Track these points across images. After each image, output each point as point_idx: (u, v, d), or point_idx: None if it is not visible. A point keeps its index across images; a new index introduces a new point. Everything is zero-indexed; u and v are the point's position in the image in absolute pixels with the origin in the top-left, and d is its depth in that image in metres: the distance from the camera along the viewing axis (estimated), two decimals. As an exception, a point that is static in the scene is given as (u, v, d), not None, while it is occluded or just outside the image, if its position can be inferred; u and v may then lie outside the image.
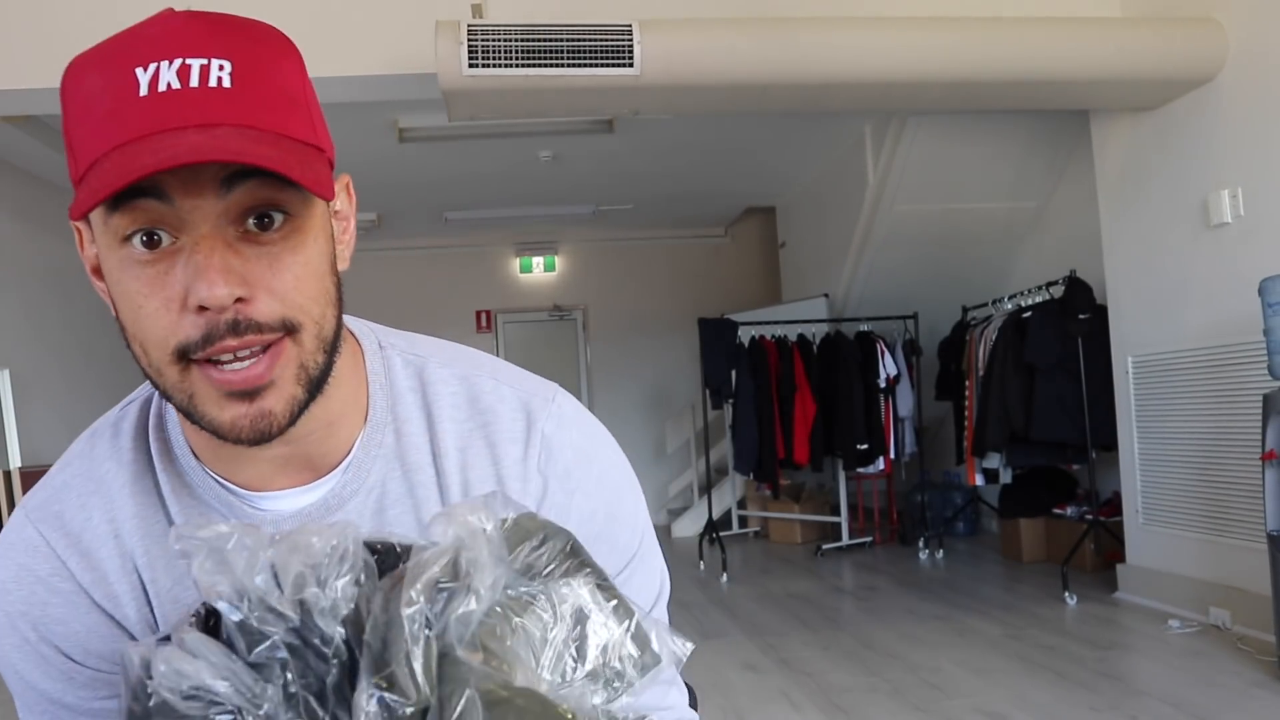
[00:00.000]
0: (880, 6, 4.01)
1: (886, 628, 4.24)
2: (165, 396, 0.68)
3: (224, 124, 0.62)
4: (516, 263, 9.14)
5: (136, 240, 0.63)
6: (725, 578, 5.75)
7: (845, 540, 6.66)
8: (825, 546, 6.62)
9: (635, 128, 5.91)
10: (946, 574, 5.59)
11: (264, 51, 0.66)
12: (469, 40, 3.50)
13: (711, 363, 6.47)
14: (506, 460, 0.79)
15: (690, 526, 7.95)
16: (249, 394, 0.65)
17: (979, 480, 5.85)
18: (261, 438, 0.66)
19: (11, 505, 5.21)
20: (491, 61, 3.52)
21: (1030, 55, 3.88)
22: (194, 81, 0.62)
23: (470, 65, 3.51)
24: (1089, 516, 5.07)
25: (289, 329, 0.66)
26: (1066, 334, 5.04)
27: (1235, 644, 3.64)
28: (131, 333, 0.66)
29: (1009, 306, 5.78)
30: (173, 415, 0.76)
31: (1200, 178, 4.09)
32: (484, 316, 8.94)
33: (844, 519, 6.72)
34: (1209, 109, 4.05)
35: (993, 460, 5.66)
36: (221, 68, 0.63)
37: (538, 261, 9.18)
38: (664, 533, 8.22)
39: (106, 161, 0.61)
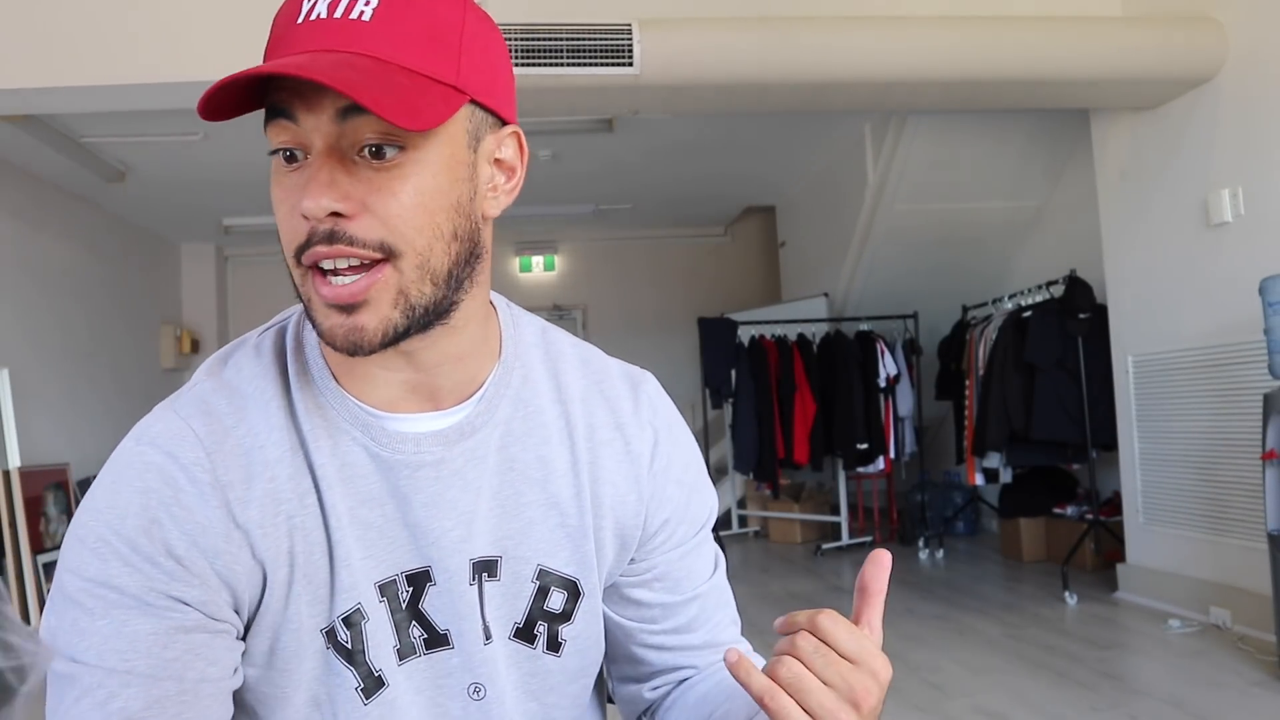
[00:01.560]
0: (880, 6, 4.01)
1: (886, 627, 4.18)
2: (299, 296, 0.73)
3: (342, 51, 0.66)
4: (516, 262, 9.14)
5: (281, 153, 0.70)
6: (725, 577, 5.74)
7: (845, 540, 6.65)
8: (825, 546, 6.61)
9: (635, 127, 5.91)
10: (947, 573, 5.59)
11: None
12: (469, 39, 3.49)
13: (711, 362, 6.47)
14: (622, 412, 0.88)
15: (690, 526, 7.93)
16: (344, 308, 0.69)
17: (979, 480, 5.85)
18: (355, 349, 0.70)
19: (11, 505, 5.21)
20: (491, 61, 3.51)
21: (1030, 54, 3.88)
22: (338, 13, 0.67)
23: (470, 64, 3.50)
24: (1089, 516, 5.07)
25: (388, 253, 0.69)
26: (1067, 333, 5.04)
27: (1235, 644, 3.64)
28: (279, 234, 0.72)
29: (1009, 306, 5.78)
30: (311, 338, 0.80)
31: (1200, 177, 4.09)
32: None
33: (844, 519, 6.72)
34: (1209, 108, 4.04)
35: (993, 460, 5.66)
36: (367, 2, 0.67)
37: (537, 261, 9.17)
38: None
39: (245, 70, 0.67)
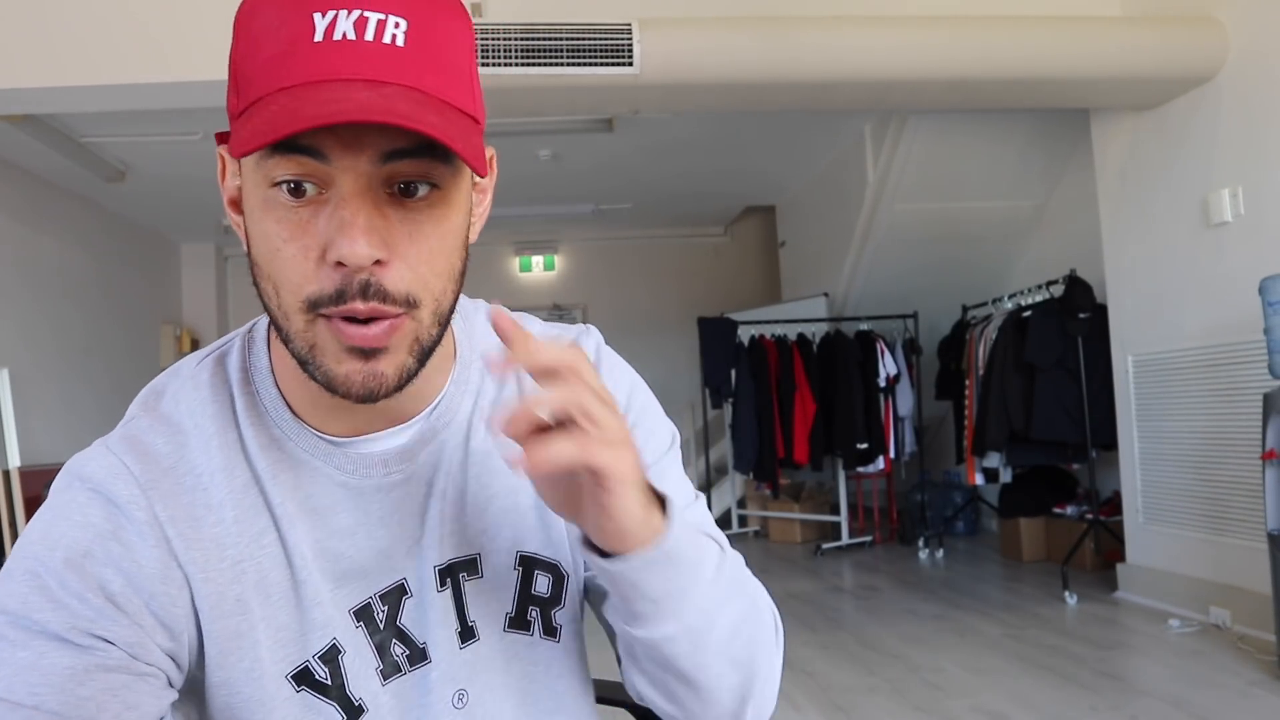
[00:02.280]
0: (880, 5, 4.01)
1: (886, 627, 4.24)
2: (285, 341, 0.67)
3: (393, 83, 0.62)
4: (516, 262, 9.14)
5: (285, 186, 0.63)
6: (725, 577, 5.74)
7: (845, 540, 6.65)
8: (825, 546, 6.61)
9: (635, 127, 5.91)
10: (946, 574, 5.59)
11: (440, 13, 0.65)
12: (468, 39, 3.49)
13: (711, 362, 6.47)
14: None
15: (690, 526, 7.93)
16: (366, 353, 0.66)
17: (979, 480, 5.85)
18: (370, 396, 0.67)
19: (11, 505, 5.20)
20: (491, 60, 3.52)
21: (1030, 54, 3.88)
22: (369, 35, 0.61)
23: (470, 64, 3.50)
24: (1089, 516, 5.07)
25: (410, 304, 0.66)
26: (1067, 333, 5.04)
27: (1235, 643, 3.64)
28: (265, 273, 0.66)
29: (1009, 305, 5.78)
30: (261, 370, 0.76)
31: (1200, 176, 4.09)
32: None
33: (844, 518, 6.72)
34: (1209, 108, 4.04)
35: (993, 459, 5.66)
36: (397, 25, 0.62)
37: (537, 261, 9.18)
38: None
39: (273, 103, 0.60)
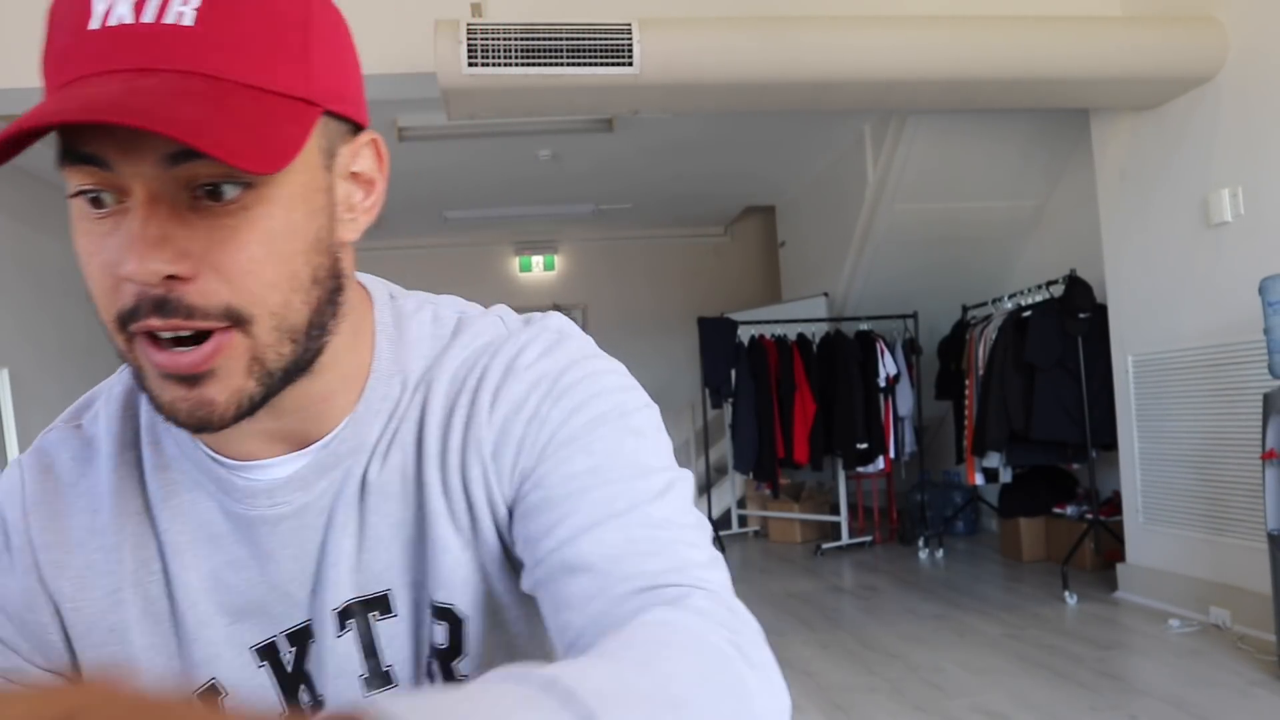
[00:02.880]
0: (880, 5, 4.01)
1: (886, 627, 4.24)
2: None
3: (167, 70, 0.53)
4: (516, 262, 9.14)
5: (84, 196, 0.57)
6: (725, 577, 5.74)
7: (845, 540, 6.65)
8: (825, 546, 6.61)
9: (635, 127, 5.91)
10: (946, 573, 5.59)
11: None
12: (468, 39, 3.49)
13: (711, 362, 6.47)
14: (482, 392, 0.73)
15: (690, 526, 7.93)
16: (187, 382, 0.58)
17: (979, 479, 5.85)
18: (203, 426, 0.59)
19: (11, 505, 5.21)
20: (491, 60, 3.52)
21: (1030, 54, 3.88)
22: (149, 16, 0.53)
23: (470, 64, 3.51)
24: (1089, 516, 5.07)
25: (235, 319, 0.57)
26: (1066, 333, 5.04)
27: (1235, 643, 3.64)
28: (95, 296, 0.59)
29: (1009, 305, 5.78)
30: None
31: (1200, 176, 4.09)
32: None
33: (844, 518, 6.72)
34: (1209, 108, 4.04)
35: (992, 459, 5.66)
36: (185, 1, 0.53)
37: (537, 261, 9.17)
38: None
39: (49, 109, 0.54)
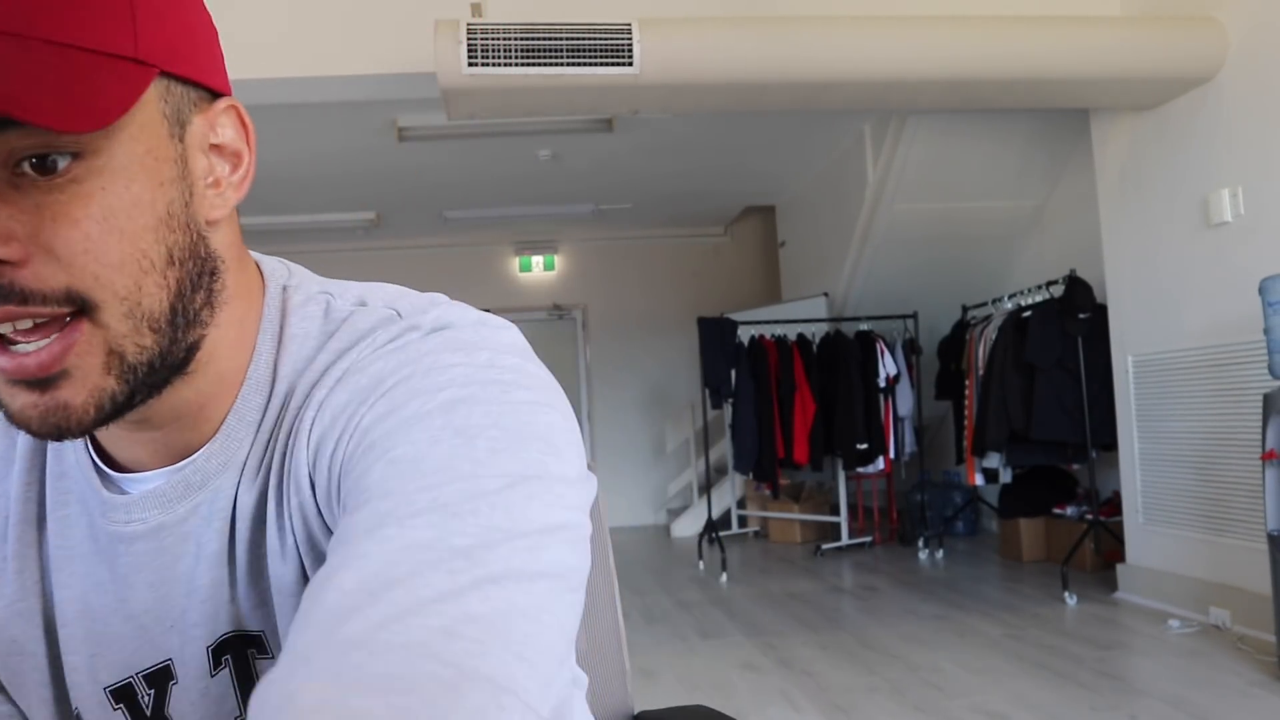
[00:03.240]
0: (880, 5, 4.01)
1: (886, 628, 4.24)
2: None
3: None
4: (516, 262, 9.14)
5: None
6: (725, 577, 5.74)
7: (845, 540, 6.65)
8: (825, 546, 6.61)
9: (635, 127, 5.91)
10: (946, 574, 5.59)
11: None
12: (468, 39, 3.49)
13: (711, 362, 6.46)
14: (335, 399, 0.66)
15: (690, 526, 7.95)
16: (37, 384, 0.52)
17: (979, 480, 5.85)
18: (58, 433, 0.53)
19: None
20: (491, 60, 3.51)
21: (1030, 54, 3.88)
22: None
23: (469, 64, 3.50)
24: (1089, 516, 5.07)
25: (78, 304, 0.51)
26: (1066, 333, 5.04)
27: (1235, 644, 3.64)
28: None
29: (1009, 306, 5.77)
30: None
31: (1200, 176, 4.09)
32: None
33: (844, 519, 6.72)
34: (1209, 108, 4.04)
35: (992, 460, 5.66)
36: None
37: (537, 260, 9.17)
38: (663, 532, 8.22)
39: None
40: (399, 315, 0.63)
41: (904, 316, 6.68)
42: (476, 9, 3.83)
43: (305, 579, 0.60)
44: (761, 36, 3.71)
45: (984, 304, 6.13)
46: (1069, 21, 3.99)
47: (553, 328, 9.20)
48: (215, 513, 0.62)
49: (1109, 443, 4.87)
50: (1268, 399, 3.34)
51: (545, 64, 3.55)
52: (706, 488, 6.84)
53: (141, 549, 0.62)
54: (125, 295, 0.52)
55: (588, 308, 9.21)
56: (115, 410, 0.54)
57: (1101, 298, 4.90)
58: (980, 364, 5.73)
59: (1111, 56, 3.95)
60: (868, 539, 6.74)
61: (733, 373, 6.58)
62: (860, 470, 6.59)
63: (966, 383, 5.95)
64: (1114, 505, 5.13)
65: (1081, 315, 4.94)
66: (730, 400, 6.65)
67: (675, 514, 8.45)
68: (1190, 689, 3.16)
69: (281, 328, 0.64)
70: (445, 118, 4.22)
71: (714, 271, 9.24)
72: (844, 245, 6.83)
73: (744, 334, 6.73)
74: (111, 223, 0.51)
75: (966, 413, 5.91)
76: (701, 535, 6.55)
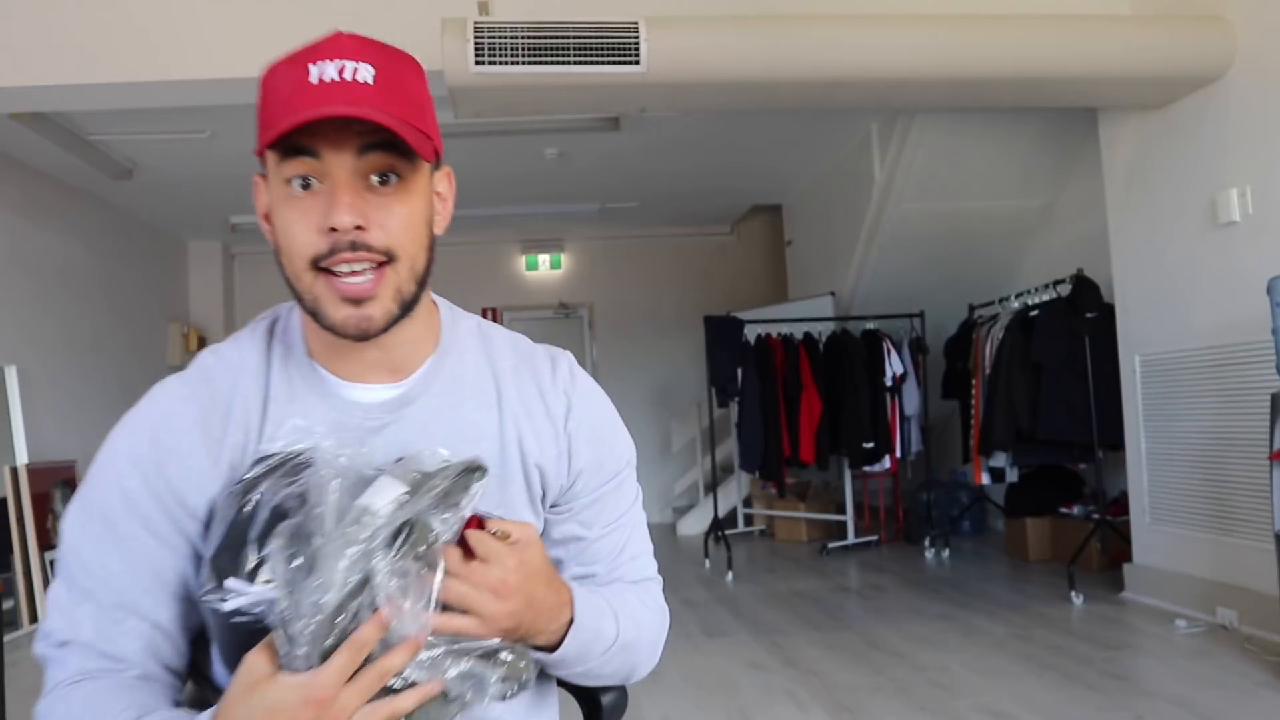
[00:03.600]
0: (887, 4, 4.01)
1: (892, 627, 4.24)
2: (298, 299, 0.91)
3: (363, 104, 0.84)
4: (522, 260, 9.15)
5: (295, 183, 0.87)
6: (730, 576, 5.74)
7: (851, 539, 6.65)
8: (830, 545, 6.61)
9: (641, 125, 5.91)
10: (952, 573, 5.58)
11: (398, 64, 0.90)
12: (475, 38, 3.50)
13: (717, 361, 6.46)
14: (543, 382, 1.05)
15: (695, 525, 7.95)
16: (357, 301, 0.88)
17: (985, 479, 5.84)
18: (362, 335, 0.90)
19: (19, 502, 5.22)
20: (498, 59, 3.52)
21: (1038, 53, 3.87)
22: (347, 76, 0.85)
23: (477, 63, 3.51)
24: (1095, 516, 5.06)
25: (390, 257, 0.89)
26: (1073, 333, 5.03)
27: (1242, 644, 3.63)
28: (283, 249, 0.89)
29: (1016, 305, 5.76)
30: (296, 325, 0.99)
31: (1208, 176, 4.08)
32: (490, 314, 8.94)
33: (849, 518, 6.71)
34: (1217, 107, 4.03)
35: (999, 459, 5.65)
36: (368, 70, 0.86)
37: (544, 259, 9.18)
38: (669, 530, 8.22)
39: (281, 123, 0.84)
40: (542, 346, 1.13)
41: (910, 315, 6.67)
42: (484, 7, 3.83)
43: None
44: (768, 35, 3.71)
45: (991, 303, 6.12)
46: (1077, 20, 3.98)
47: (559, 326, 9.21)
48: (421, 423, 0.97)
49: (1116, 442, 4.85)
50: (1275, 399, 3.33)
51: (552, 63, 3.55)
52: (712, 486, 6.84)
53: (374, 441, 0.94)
54: (411, 256, 0.91)
55: (594, 306, 9.21)
56: (389, 325, 0.91)
57: (1109, 297, 4.89)
58: (987, 363, 5.72)
59: (1119, 56, 3.93)
60: (873, 538, 6.74)
61: (739, 371, 6.58)
62: (866, 469, 6.59)
63: (973, 382, 5.94)
64: (1121, 505, 5.12)
65: (1089, 315, 4.93)
66: (736, 399, 6.65)
67: (681, 512, 8.45)
68: (1197, 689, 3.15)
69: (455, 325, 1.05)
70: (452, 116, 4.22)
71: (720, 270, 9.23)
72: (850, 244, 6.82)
73: (750, 333, 6.73)
74: (412, 217, 0.91)
75: (973, 412, 5.90)
76: (707, 534, 6.55)
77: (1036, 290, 5.58)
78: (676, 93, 3.86)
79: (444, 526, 0.79)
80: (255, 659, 0.75)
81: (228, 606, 0.78)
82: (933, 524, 6.48)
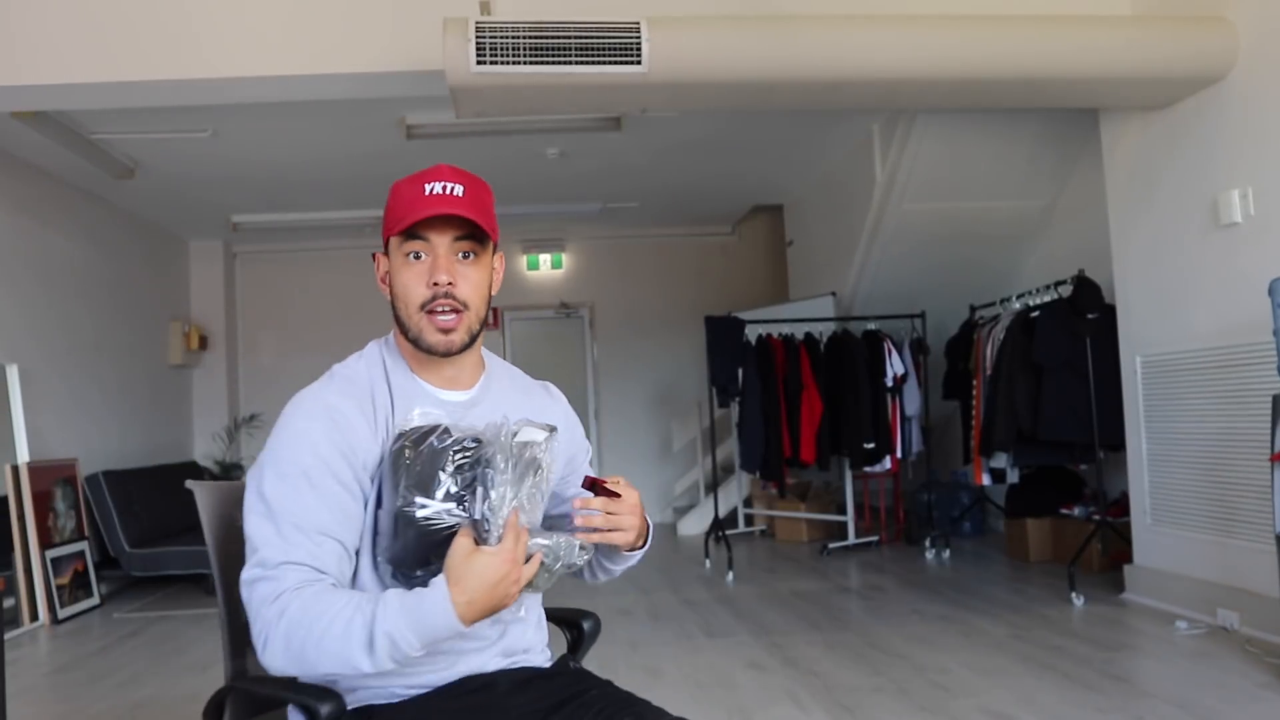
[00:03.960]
0: (888, 4, 4.00)
1: (892, 627, 4.23)
2: (404, 330, 1.38)
3: (458, 209, 1.34)
4: (523, 260, 9.15)
5: (411, 255, 1.36)
6: (731, 576, 5.74)
7: (851, 539, 6.65)
8: (831, 546, 6.61)
9: (642, 125, 5.91)
10: (953, 574, 5.58)
11: (478, 186, 1.39)
12: (477, 37, 3.50)
13: (718, 361, 6.46)
14: (546, 399, 1.59)
15: (696, 525, 7.95)
16: (446, 331, 1.36)
17: (986, 480, 5.84)
18: (446, 353, 1.38)
19: (20, 500, 5.22)
20: (499, 58, 3.52)
21: (1039, 53, 3.87)
22: (448, 191, 1.35)
23: (478, 62, 3.51)
24: (1096, 517, 5.06)
25: (465, 306, 1.37)
26: (1075, 333, 5.03)
27: (1243, 646, 3.63)
28: (400, 298, 1.37)
29: (1017, 305, 5.76)
30: (397, 351, 1.44)
31: (1210, 177, 4.08)
32: (491, 314, 8.93)
33: (850, 518, 6.71)
34: (1219, 108, 4.03)
35: (1000, 460, 5.65)
36: (460, 188, 1.36)
37: (545, 259, 9.18)
38: (669, 530, 8.22)
39: (408, 218, 1.33)
40: (521, 374, 1.64)
41: (912, 316, 6.67)
42: (485, 7, 3.84)
43: None
44: (770, 35, 3.71)
45: (992, 304, 6.12)
46: (1079, 21, 3.98)
47: (560, 326, 9.21)
48: (482, 419, 1.34)
49: (1117, 443, 4.85)
50: (1276, 400, 3.33)
51: (554, 62, 3.55)
52: (713, 486, 6.84)
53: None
54: (477, 307, 1.39)
55: (595, 306, 9.21)
56: (462, 350, 1.39)
57: (1110, 298, 4.89)
58: (988, 364, 5.72)
59: (1121, 56, 3.93)
60: (874, 539, 6.74)
61: (740, 371, 6.58)
62: (867, 470, 6.59)
63: (974, 382, 5.94)
64: (1122, 506, 5.12)
65: (1090, 315, 4.93)
66: (737, 399, 6.64)
67: (682, 512, 8.45)
68: (1197, 691, 3.15)
69: (490, 360, 1.54)
70: (454, 115, 4.23)
71: (721, 270, 9.23)
72: (852, 244, 6.82)
73: (751, 333, 6.73)
74: (480, 281, 1.40)
75: (974, 412, 5.90)
76: (708, 534, 6.55)
77: (1038, 291, 5.58)
78: (678, 93, 3.86)
79: (550, 457, 1.27)
80: (463, 541, 1.20)
81: (420, 515, 1.22)
82: (933, 524, 6.48)
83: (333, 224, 8.01)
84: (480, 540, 1.20)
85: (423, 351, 1.37)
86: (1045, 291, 5.46)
